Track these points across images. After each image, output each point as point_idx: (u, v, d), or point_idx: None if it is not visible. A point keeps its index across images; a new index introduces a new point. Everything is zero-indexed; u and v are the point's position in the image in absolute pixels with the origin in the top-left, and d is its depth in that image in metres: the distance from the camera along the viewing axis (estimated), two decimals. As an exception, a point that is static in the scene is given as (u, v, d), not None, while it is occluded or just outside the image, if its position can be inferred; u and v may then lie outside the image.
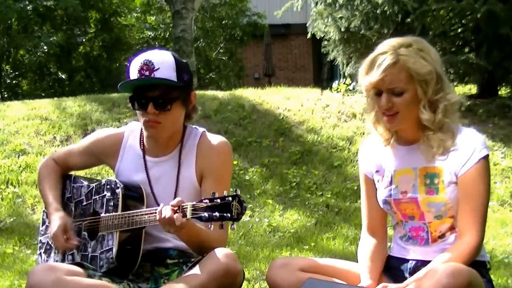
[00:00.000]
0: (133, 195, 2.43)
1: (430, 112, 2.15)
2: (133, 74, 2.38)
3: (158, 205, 2.39)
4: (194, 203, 2.11)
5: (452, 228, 2.19)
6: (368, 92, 2.20)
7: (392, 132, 2.27)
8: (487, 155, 2.15)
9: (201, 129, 2.55)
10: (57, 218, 2.46)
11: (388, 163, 2.29)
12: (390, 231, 2.48)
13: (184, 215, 2.12)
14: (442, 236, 2.21)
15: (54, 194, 2.56)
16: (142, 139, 2.54)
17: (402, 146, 2.27)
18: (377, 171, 2.33)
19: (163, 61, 2.37)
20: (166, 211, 2.15)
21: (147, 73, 2.35)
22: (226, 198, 2.06)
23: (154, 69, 2.35)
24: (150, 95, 2.36)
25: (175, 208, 2.15)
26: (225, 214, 2.04)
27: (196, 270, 2.24)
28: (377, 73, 2.12)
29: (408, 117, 2.17)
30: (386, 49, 2.15)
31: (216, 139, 2.50)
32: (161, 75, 2.35)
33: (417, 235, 2.25)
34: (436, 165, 2.18)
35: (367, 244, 2.35)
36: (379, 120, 2.24)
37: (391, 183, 2.27)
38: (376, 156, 2.33)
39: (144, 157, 2.51)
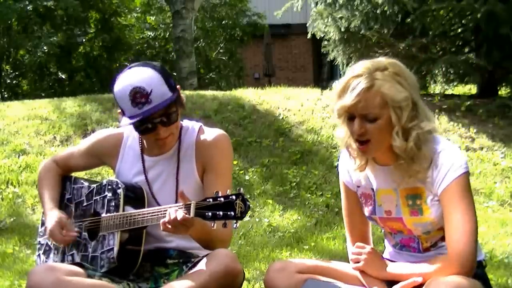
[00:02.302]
0: (134, 196, 2.43)
1: (402, 140, 2.05)
2: (127, 104, 2.30)
3: (158, 204, 2.39)
4: (198, 201, 2.11)
5: (443, 237, 2.14)
6: (340, 116, 2.10)
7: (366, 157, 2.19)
8: (465, 173, 2.05)
9: (197, 124, 2.54)
10: (51, 215, 2.47)
11: (369, 181, 2.23)
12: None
13: (188, 213, 2.11)
14: (434, 245, 2.19)
15: (50, 194, 2.57)
16: (141, 138, 2.54)
17: (380, 166, 2.19)
18: (358, 187, 2.28)
19: (151, 81, 2.29)
20: (172, 212, 2.14)
21: (143, 100, 2.27)
22: (230, 197, 2.05)
23: (148, 93, 2.27)
24: (154, 117, 2.33)
25: (180, 206, 2.14)
26: (228, 213, 2.03)
27: (196, 270, 2.24)
28: (350, 97, 2.01)
29: (380, 144, 2.08)
30: (361, 71, 2.04)
31: (214, 132, 2.49)
32: (158, 96, 2.28)
33: (408, 245, 2.24)
34: (416, 185, 2.12)
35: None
36: (352, 145, 2.15)
37: (374, 201, 2.23)
38: (355, 171, 2.25)
39: (142, 157, 2.51)
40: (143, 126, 2.36)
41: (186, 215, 2.10)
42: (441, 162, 2.06)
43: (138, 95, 2.27)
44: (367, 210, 2.26)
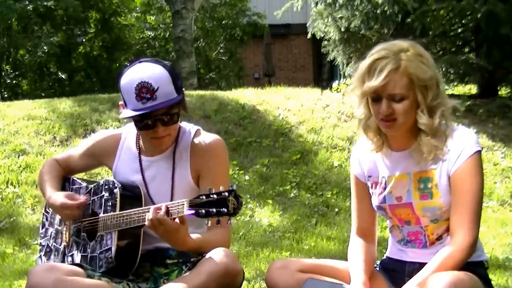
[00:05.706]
0: (131, 195, 2.43)
1: (428, 117, 2.11)
2: (131, 97, 2.31)
3: (154, 204, 2.39)
4: (191, 199, 2.12)
5: (449, 230, 2.16)
6: (364, 98, 2.15)
7: (383, 138, 2.23)
8: (478, 151, 2.12)
9: (195, 128, 2.54)
10: (57, 194, 2.47)
11: (381, 168, 2.27)
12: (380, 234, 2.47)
13: (182, 211, 2.12)
14: (439, 238, 2.20)
15: (52, 183, 2.56)
16: (138, 139, 2.54)
17: (395, 152, 2.23)
18: (369, 176, 2.31)
19: (159, 78, 2.31)
20: (151, 212, 2.16)
21: (148, 95, 2.29)
22: (223, 194, 2.06)
23: (154, 90, 2.28)
24: (156, 114, 2.33)
25: (174, 203, 2.15)
26: (221, 209, 2.05)
27: (195, 270, 2.24)
28: (379, 79, 2.06)
29: (406, 122, 2.13)
30: (385, 54, 2.08)
31: (209, 138, 2.49)
32: (163, 94, 2.30)
33: (416, 239, 2.24)
34: (429, 168, 2.16)
35: (358, 245, 2.33)
36: (370, 126, 2.20)
37: (385, 189, 2.25)
38: (368, 161, 2.30)
39: (139, 158, 2.52)
40: (143, 122, 2.36)
41: (160, 214, 2.13)
42: (456, 140, 2.13)
43: (144, 90, 2.29)
44: (377, 199, 2.27)
